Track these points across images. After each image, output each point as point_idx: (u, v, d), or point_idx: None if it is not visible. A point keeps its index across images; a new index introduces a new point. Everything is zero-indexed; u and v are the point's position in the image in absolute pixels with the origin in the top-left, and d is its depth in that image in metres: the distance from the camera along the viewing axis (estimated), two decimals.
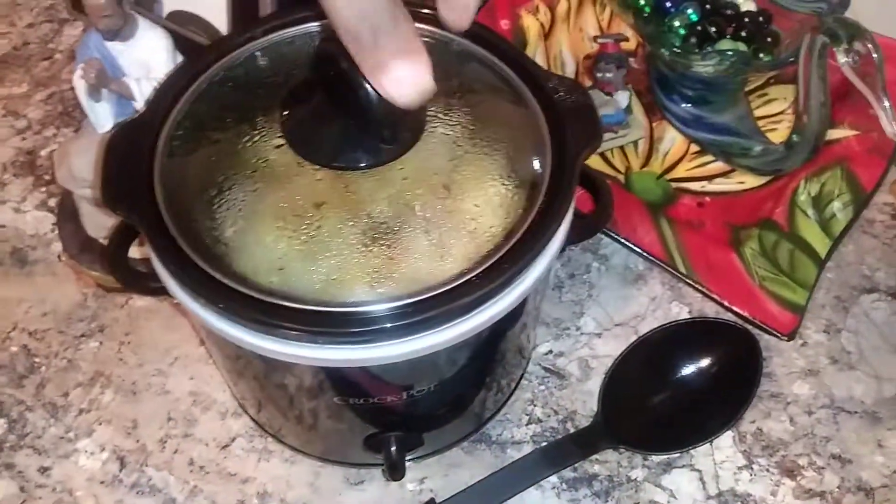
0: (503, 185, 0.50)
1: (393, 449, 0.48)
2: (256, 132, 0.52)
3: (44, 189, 0.69)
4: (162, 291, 0.43)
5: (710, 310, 0.60)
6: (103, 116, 0.56)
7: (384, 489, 0.54)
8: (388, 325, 0.37)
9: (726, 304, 0.57)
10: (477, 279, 0.39)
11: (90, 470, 0.55)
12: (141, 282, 0.46)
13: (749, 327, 0.56)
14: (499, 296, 0.40)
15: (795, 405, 0.57)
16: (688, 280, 0.58)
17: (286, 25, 0.50)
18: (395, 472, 0.48)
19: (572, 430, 0.55)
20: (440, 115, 0.53)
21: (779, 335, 0.56)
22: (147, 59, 0.55)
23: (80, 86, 0.54)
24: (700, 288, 0.58)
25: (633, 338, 0.59)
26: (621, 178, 0.66)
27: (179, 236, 0.41)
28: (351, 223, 0.48)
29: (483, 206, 0.49)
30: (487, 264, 0.40)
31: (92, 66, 0.52)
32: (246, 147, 0.52)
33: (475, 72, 0.49)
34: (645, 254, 0.59)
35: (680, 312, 0.61)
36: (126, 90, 0.54)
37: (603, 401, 0.55)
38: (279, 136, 0.48)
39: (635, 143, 0.68)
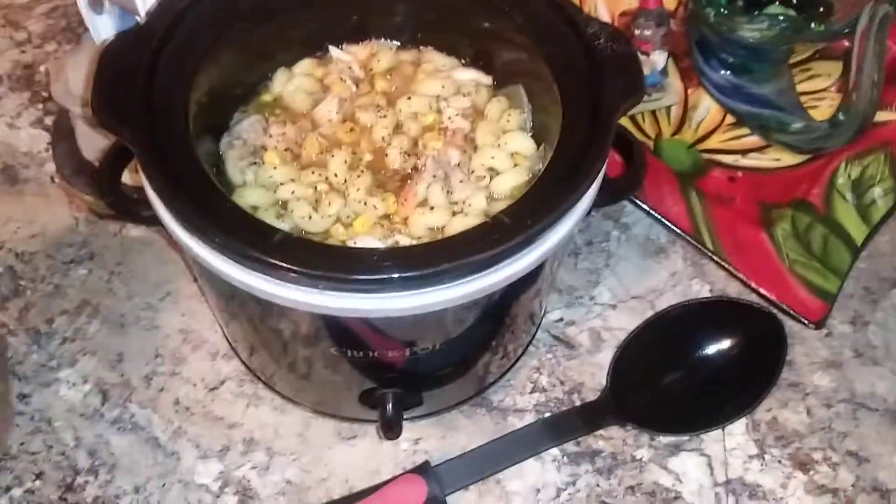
0: (530, 136, 0.47)
1: (389, 406, 0.45)
2: (271, 54, 0.49)
3: (40, 106, 0.66)
4: (154, 221, 0.39)
5: (733, 290, 0.57)
6: (104, 30, 0.52)
7: (377, 447, 0.51)
8: (396, 274, 0.34)
9: (753, 285, 0.53)
10: (496, 235, 0.35)
11: (70, 401, 0.52)
12: (132, 208, 0.43)
13: (775, 312, 0.53)
14: (517, 255, 0.36)
15: (814, 397, 0.54)
16: (714, 257, 0.55)
17: None
18: (390, 430, 0.46)
19: (578, 403, 0.53)
20: (464, 52, 0.50)
21: (806, 322, 0.53)
22: None
23: None
24: (726, 266, 0.55)
25: (649, 313, 0.56)
26: (650, 144, 0.63)
27: (174, 160, 0.37)
28: (362, 167, 0.45)
29: (507, 159, 0.46)
30: (508, 219, 0.36)
31: None
32: (258, 72, 0.49)
33: (507, 5, 0.45)
34: (671, 225, 0.56)
35: (700, 290, 0.58)
36: (129, 3, 0.50)
37: (612, 375, 0.52)
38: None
39: (668, 108, 0.64)
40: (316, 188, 0.44)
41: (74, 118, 0.56)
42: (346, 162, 0.44)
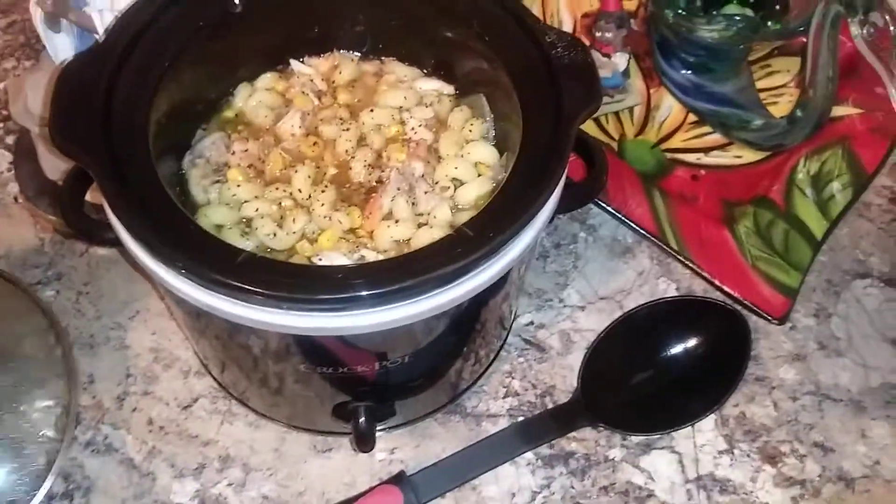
0: (492, 145, 0.47)
1: (362, 420, 0.45)
2: (232, 69, 0.49)
3: (0, 125, 0.65)
4: (117, 242, 0.39)
5: (699, 288, 0.58)
6: (62, 48, 0.52)
7: (352, 458, 0.52)
8: (363, 292, 0.34)
9: (717, 282, 0.54)
10: (460, 248, 0.36)
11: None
12: (96, 231, 0.42)
13: (739, 309, 0.53)
14: (482, 266, 0.37)
15: (780, 390, 0.55)
16: (678, 256, 0.56)
17: None
18: (363, 443, 0.46)
19: (550, 406, 0.53)
20: (426, 62, 0.50)
21: (769, 318, 0.54)
22: None
23: (37, 13, 0.50)
24: (691, 265, 0.55)
25: (618, 313, 0.57)
26: (614, 145, 0.63)
27: (135, 183, 0.37)
28: (326, 182, 0.46)
29: (471, 169, 0.46)
30: (471, 231, 0.37)
31: None
32: (219, 87, 0.49)
33: (467, 14, 0.46)
34: (635, 226, 0.57)
35: (667, 289, 0.59)
36: (87, 21, 0.50)
37: (583, 377, 0.53)
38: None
39: (631, 109, 0.65)
40: (280, 204, 0.44)
41: (35, 138, 0.56)
42: (309, 177, 0.45)
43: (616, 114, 0.65)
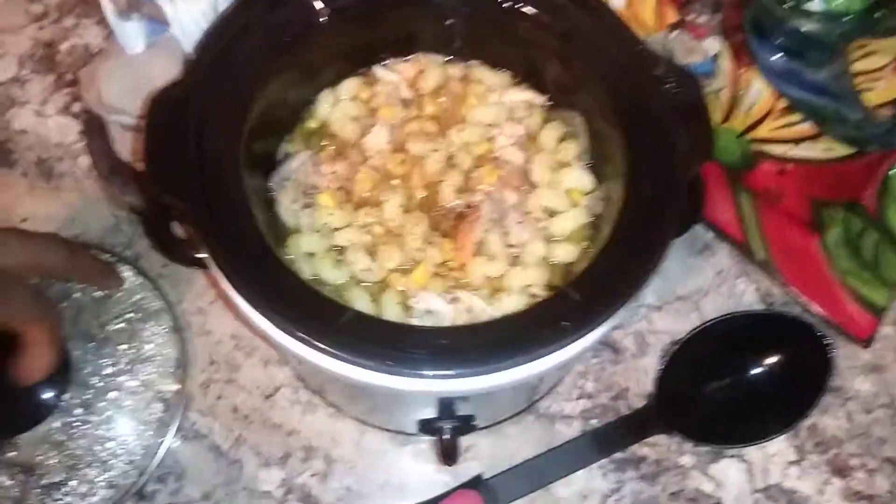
0: (588, 170, 0.46)
1: (448, 436, 0.47)
2: (315, 74, 0.47)
3: (66, 91, 0.64)
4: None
5: (779, 291, 0.57)
6: (133, 37, 0.50)
7: (430, 453, 0.53)
8: (465, 369, 0.34)
9: (803, 299, 0.53)
10: (569, 320, 0.35)
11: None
12: (186, 253, 0.43)
13: (822, 326, 0.53)
14: (588, 334, 0.36)
15: (855, 402, 0.55)
16: (764, 268, 0.55)
17: None
18: (449, 457, 0.47)
19: (623, 408, 0.54)
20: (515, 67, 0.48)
21: (855, 340, 0.53)
22: None
23: (108, 5, 0.48)
24: (778, 278, 0.54)
25: (694, 315, 0.57)
26: None
27: (233, 230, 0.37)
28: (415, 206, 0.45)
29: (565, 198, 0.45)
30: (578, 295, 0.36)
31: None
32: (301, 95, 0.48)
33: (564, 39, 0.43)
34: (720, 233, 0.55)
35: (746, 290, 0.58)
36: (159, 13, 0.48)
37: (659, 385, 0.53)
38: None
39: (717, 92, 0.62)
40: (371, 231, 0.44)
41: (108, 124, 0.55)
42: (401, 206, 0.44)
43: None
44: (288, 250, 0.43)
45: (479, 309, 0.41)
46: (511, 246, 0.43)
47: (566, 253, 0.43)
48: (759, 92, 0.62)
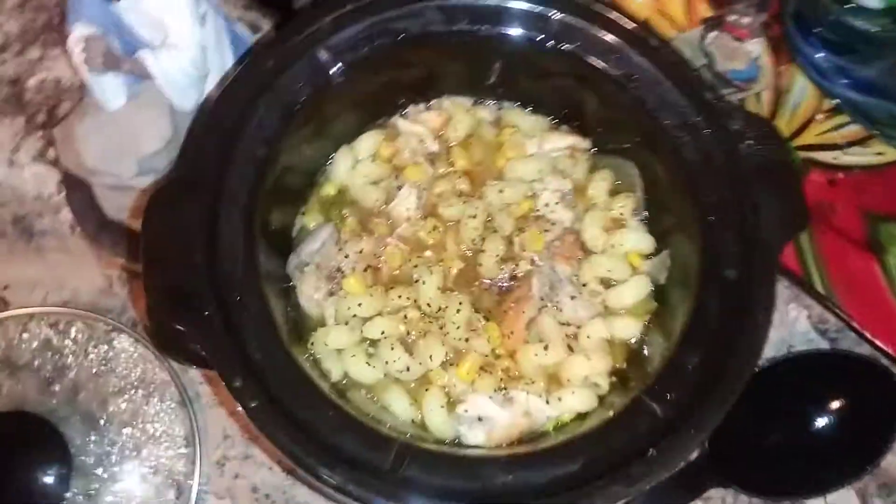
0: (646, 229, 0.40)
1: None
2: (328, 135, 0.41)
3: (40, 135, 0.56)
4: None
5: (834, 318, 0.53)
6: (113, 92, 0.44)
7: None
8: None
9: (868, 335, 0.49)
10: (653, 449, 0.31)
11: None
12: (193, 354, 0.37)
13: (888, 364, 0.49)
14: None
15: None
16: (826, 303, 0.50)
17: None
18: None
19: None
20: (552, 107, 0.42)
21: None
22: (161, 17, 0.42)
23: (81, 64, 0.41)
24: (840, 314, 0.50)
25: None
26: None
27: (258, 361, 0.32)
28: (453, 288, 0.39)
29: (624, 265, 0.39)
30: (660, 410, 0.32)
31: (95, 46, 0.40)
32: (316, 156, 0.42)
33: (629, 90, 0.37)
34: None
35: (798, 317, 0.53)
36: (141, 70, 0.41)
37: (713, 435, 0.49)
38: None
39: (757, 94, 0.56)
40: (406, 317, 0.38)
41: (92, 185, 0.49)
42: (438, 288, 0.38)
43: (742, 101, 0.56)
44: (313, 347, 0.38)
45: (538, 410, 0.36)
46: (565, 324, 0.38)
47: (628, 329, 0.38)
48: (802, 91, 0.56)
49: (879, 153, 0.55)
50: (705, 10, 0.56)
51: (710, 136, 0.35)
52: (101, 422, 0.49)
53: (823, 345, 0.52)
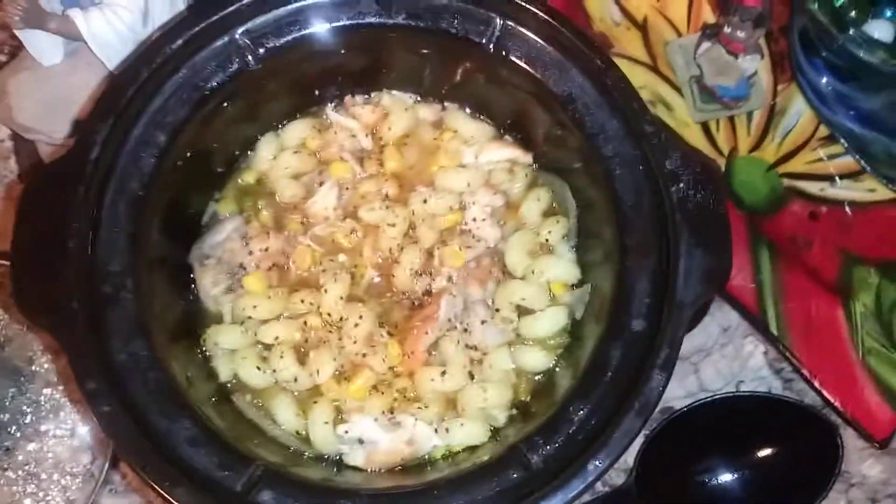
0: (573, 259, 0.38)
1: None
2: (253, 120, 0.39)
3: None
4: None
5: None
6: (49, 47, 0.42)
7: None
8: None
9: (817, 384, 0.46)
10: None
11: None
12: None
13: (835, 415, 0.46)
14: None
15: (860, 489, 0.49)
16: (778, 345, 0.47)
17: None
18: None
19: (599, 484, 0.49)
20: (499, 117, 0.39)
21: (871, 441, 0.46)
22: None
23: (14, 14, 0.39)
24: (790, 358, 0.47)
25: (692, 378, 0.50)
26: (722, 162, 0.52)
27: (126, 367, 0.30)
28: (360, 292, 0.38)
29: (543, 295, 0.37)
30: (541, 462, 0.30)
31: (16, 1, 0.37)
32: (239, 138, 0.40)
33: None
34: (730, 298, 0.48)
35: (753, 352, 0.51)
36: (71, 29, 0.39)
37: (642, 461, 0.47)
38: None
39: (750, 113, 0.52)
40: (306, 323, 0.37)
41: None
42: (342, 298, 0.36)
43: (731, 119, 0.52)
44: (205, 344, 0.36)
45: (424, 438, 0.34)
46: (472, 348, 0.36)
47: (537, 362, 0.36)
48: (798, 114, 0.52)
49: (871, 190, 0.51)
50: (709, 15, 0.52)
51: (642, 173, 0.32)
52: (23, 379, 0.49)
53: (776, 384, 0.50)
